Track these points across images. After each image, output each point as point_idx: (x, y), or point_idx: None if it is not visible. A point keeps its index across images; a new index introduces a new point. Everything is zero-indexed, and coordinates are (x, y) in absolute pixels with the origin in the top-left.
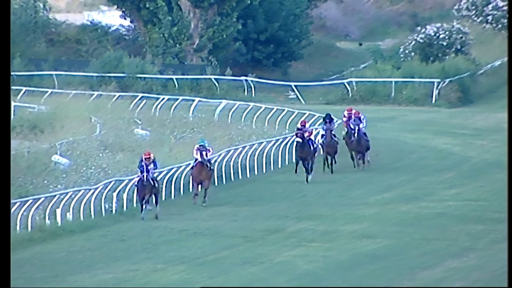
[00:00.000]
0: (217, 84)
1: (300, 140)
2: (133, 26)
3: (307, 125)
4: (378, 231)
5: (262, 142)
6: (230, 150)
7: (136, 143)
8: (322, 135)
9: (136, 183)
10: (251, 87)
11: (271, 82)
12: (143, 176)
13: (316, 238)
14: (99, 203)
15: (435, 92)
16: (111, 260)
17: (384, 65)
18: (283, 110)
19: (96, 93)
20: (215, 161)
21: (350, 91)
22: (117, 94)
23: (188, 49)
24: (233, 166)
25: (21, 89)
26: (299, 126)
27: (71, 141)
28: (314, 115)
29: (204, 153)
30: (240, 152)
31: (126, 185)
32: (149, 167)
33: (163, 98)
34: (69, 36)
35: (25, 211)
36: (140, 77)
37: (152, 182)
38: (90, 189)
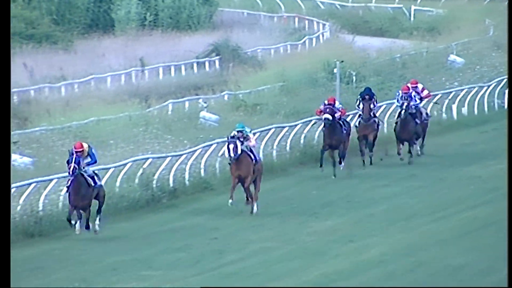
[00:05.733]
0: None
1: (329, 117)
2: None
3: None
4: None
5: None
6: None
7: None
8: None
9: (67, 183)
10: None
11: None
12: (69, 168)
13: None
14: (491, 99)
15: None
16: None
17: None
18: None
19: None
20: None
21: None
22: None
23: None
24: None
25: None
26: (326, 102)
27: (466, 41)
28: None
29: (231, 146)
30: None
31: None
32: (82, 162)
33: None
34: None
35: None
36: None
37: (88, 181)
38: (483, 86)
